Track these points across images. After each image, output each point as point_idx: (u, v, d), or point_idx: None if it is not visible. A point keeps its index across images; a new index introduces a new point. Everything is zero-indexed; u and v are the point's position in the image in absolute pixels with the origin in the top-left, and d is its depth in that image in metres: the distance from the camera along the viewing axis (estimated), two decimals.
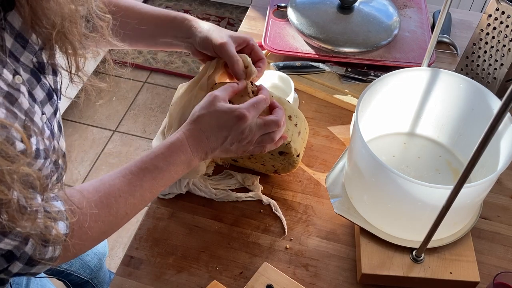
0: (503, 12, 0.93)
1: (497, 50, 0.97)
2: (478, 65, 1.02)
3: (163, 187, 0.70)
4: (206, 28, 0.80)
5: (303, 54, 1.09)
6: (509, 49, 0.95)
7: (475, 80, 0.80)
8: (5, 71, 0.55)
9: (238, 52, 0.80)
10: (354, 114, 0.77)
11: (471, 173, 0.56)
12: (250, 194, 0.89)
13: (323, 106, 1.06)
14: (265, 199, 0.88)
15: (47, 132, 0.63)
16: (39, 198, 0.55)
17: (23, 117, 0.55)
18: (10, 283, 0.81)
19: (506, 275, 0.70)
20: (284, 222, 0.85)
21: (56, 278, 1.19)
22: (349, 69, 1.08)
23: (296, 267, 0.80)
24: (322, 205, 0.88)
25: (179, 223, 0.86)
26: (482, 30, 0.98)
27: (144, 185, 0.68)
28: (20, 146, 0.52)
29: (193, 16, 0.83)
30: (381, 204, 0.77)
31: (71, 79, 0.68)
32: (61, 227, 0.57)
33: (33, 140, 0.56)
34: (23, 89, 0.57)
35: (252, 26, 1.25)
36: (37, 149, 0.57)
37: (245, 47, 0.82)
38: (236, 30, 1.25)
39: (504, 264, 0.81)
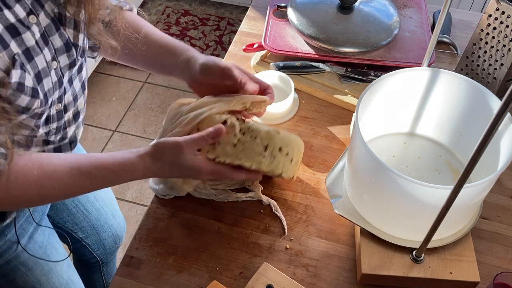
0: (503, 12, 0.93)
1: (497, 50, 0.97)
2: (478, 65, 1.02)
3: (99, 190, 0.75)
4: (206, 57, 0.82)
5: (303, 54, 1.09)
6: (509, 49, 0.95)
7: (475, 80, 0.80)
8: (18, 6, 0.61)
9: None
10: (354, 114, 0.77)
11: (471, 173, 0.56)
12: (250, 194, 0.89)
13: (323, 106, 1.06)
14: (265, 199, 0.88)
15: (54, 77, 0.69)
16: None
17: (17, 51, 0.61)
18: (15, 225, 0.84)
19: (506, 275, 0.70)
20: (284, 222, 0.85)
21: (70, 250, 1.19)
22: (349, 69, 1.08)
23: (296, 267, 0.80)
24: (322, 205, 0.88)
25: (179, 223, 0.86)
26: (482, 30, 0.98)
27: (85, 186, 0.72)
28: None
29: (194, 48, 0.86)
30: (381, 204, 0.77)
31: (86, 30, 0.75)
32: None
33: (16, 72, 0.60)
34: (35, 29, 0.64)
35: (252, 26, 1.25)
36: (21, 84, 0.62)
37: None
38: (236, 30, 1.25)
39: (504, 264, 0.81)
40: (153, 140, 0.89)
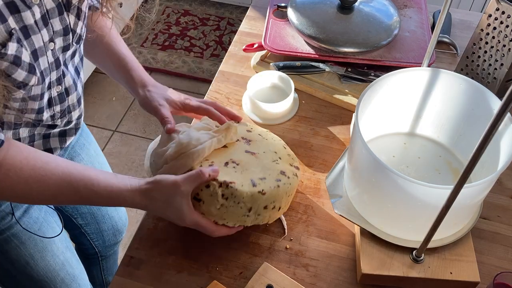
0: (503, 12, 0.93)
1: (497, 50, 0.97)
2: (478, 65, 1.02)
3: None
4: (144, 93, 0.88)
5: (303, 54, 1.09)
6: (509, 49, 0.95)
7: (475, 80, 0.80)
8: None
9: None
10: (354, 114, 0.77)
11: (471, 173, 0.56)
12: None
13: (323, 106, 1.06)
14: None
15: (50, 58, 0.72)
16: None
17: (14, 26, 0.63)
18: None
19: (506, 275, 0.70)
20: (284, 222, 0.85)
21: (71, 239, 1.19)
22: (349, 69, 1.08)
23: (296, 267, 0.80)
24: (322, 205, 0.88)
25: None
26: (482, 30, 0.98)
27: (71, 200, 0.76)
28: None
29: (146, 78, 0.90)
30: (381, 204, 0.77)
31: (101, 12, 0.81)
32: None
33: (13, 45, 0.63)
34: (36, 9, 0.66)
35: (252, 26, 1.25)
36: (17, 57, 0.64)
37: (204, 108, 0.87)
38: (236, 30, 1.25)
39: (504, 264, 0.81)
40: (153, 140, 0.90)
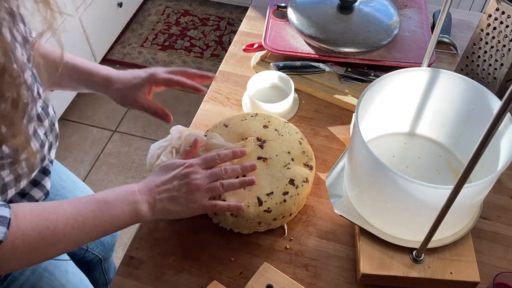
0: (503, 12, 0.93)
1: (497, 50, 0.97)
2: (478, 65, 1.02)
3: (107, 224, 0.70)
4: (113, 93, 0.87)
5: (303, 54, 1.09)
6: (509, 49, 0.95)
7: (475, 80, 0.80)
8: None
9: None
10: (354, 114, 0.77)
11: (471, 173, 0.56)
12: None
13: (323, 106, 1.06)
14: None
15: (29, 71, 0.68)
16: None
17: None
18: None
19: (506, 275, 0.70)
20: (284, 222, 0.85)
21: (73, 253, 1.17)
22: (349, 69, 1.08)
23: (296, 267, 0.80)
24: (322, 205, 0.88)
25: (179, 223, 0.86)
26: (482, 30, 0.98)
27: (89, 213, 0.67)
28: None
29: (108, 73, 0.87)
30: (381, 204, 0.77)
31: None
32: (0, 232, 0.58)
33: (14, 67, 0.59)
34: (5, 24, 0.62)
35: (252, 26, 1.25)
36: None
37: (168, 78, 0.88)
38: (236, 30, 1.25)
39: (504, 264, 0.81)
40: (154, 140, 0.90)
